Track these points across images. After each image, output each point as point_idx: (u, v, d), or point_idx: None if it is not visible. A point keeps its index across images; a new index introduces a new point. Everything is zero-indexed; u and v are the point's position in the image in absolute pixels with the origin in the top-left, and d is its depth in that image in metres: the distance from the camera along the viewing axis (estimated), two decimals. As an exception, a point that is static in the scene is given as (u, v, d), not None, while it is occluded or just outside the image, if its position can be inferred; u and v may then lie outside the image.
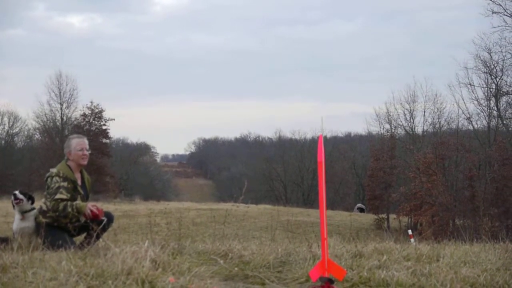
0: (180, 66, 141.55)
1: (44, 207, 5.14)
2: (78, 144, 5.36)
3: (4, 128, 49.46)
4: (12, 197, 5.19)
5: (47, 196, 5.11)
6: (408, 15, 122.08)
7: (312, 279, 3.19)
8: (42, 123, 45.08)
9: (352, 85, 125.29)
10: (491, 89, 32.51)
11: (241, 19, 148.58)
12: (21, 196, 5.20)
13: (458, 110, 34.85)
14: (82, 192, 5.30)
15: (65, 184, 5.13)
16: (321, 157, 3.21)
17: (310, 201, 53.82)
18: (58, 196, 5.05)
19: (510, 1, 29.42)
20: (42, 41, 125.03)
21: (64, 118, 43.69)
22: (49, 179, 5.17)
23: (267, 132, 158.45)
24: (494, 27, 30.71)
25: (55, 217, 5.06)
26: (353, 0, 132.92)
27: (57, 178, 5.13)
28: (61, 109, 43.32)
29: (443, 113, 37.85)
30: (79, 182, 5.32)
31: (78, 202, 5.15)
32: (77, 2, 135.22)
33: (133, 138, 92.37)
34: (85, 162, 5.38)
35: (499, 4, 29.52)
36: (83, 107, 42.69)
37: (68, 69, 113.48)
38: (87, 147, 5.44)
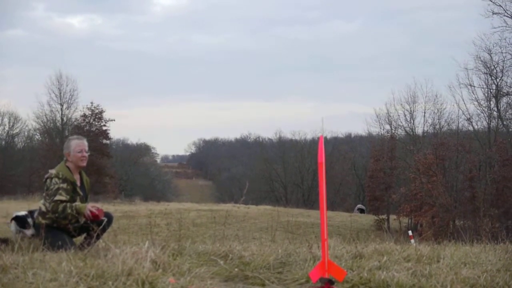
0: (180, 67, 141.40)
1: (44, 208, 5.13)
2: (78, 146, 5.34)
3: (4, 128, 49.58)
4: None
5: (47, 198, 5.11)
6: (408, 15, 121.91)
7: (312, 280, 3.19)
8: (42, 124, 45.16)
9: (352, 85, 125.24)
10: (491, 90, 32.53)
11: (241, 19, 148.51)
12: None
13: (458, 111, 34.92)
14: (81, 193, 5.29)
15: (65, 185, 5.12)
16: (321, 157, 3.21)
17: (310, 202, 53.85)
18: (57, 197, 5.04)
19: (511, 2, 29.47)
20: (42, 41, 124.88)
21: (64, 118, 43.73)
22: (48, 181, 5.16)
23: (267, 133, 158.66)
24: (494, 28, 30.80)
25: (55, 218, 5.05)
26: (353, 0, 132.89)
27: (56, 179, 5.13)
28: (61, 109, 43.37)
29: (443, 114, 37.94)
30: (78, 183, 5.31)
31: (78, 203, 5.15)
32: (76, 3, 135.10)
33: (133, 138, 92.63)
34: (84, 164, 5.37)
35: (500, 5, 29.59)
36: (83, 107, 42.76)
37: (68, 70, 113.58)
38: (86, 148, 5.43)
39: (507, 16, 29.70)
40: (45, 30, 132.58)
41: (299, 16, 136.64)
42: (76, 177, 5.32)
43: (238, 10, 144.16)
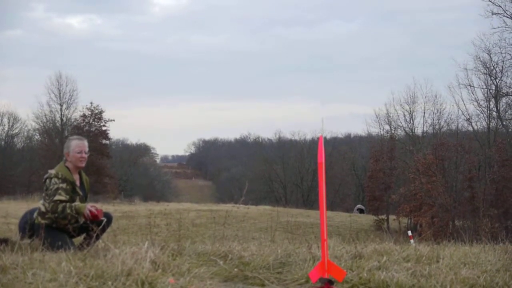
0: (179, 67, 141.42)
1: (43, 209, 5.12)
2: (77, 146, 5.34)
3: (4, 129, 49.63)
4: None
5: (46, 198, 5.10)
6: (408, 16, 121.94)
7: (312, 280, 3.19)
8: (41, 124, 45.17)
9: (352, 85, 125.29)
10: (490, 90, 32.55)
11: (241, 19, 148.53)
12: None
13: (458, 111, 34.96)
14: (80, 193, 5.29)
15: (64, 185, 5.12)
16: (321, 158, 3.21)
17: (309, 202, 53.87)
18: (57, 197, 5.04)
19: (510, 2, 29.47)
20: (41, 41, 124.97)
21: (64, 119, 43.75)
22: (47, 181, 5.16)
23: (267, 133, 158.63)
24: (494, 28, 30.79)
25: (54, 219, 5.05)
26: (353, 0, 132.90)
27: (55, 179, 5.12)
28: (60, 110, 43.40)
29: (442, 114, 38.02)
30: (77, 183, 5.30)
31: (77, 203, 5.15)
32: (76, 3, 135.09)
33: (133, 139, 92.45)
34: (83, 165, 5.36)
35: (499, 5, 29.58)
36: (83, 108, 42.80)
37: (68, 70, 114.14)
38: (86, 149, 5.42)
39: (506, 17, 29.72)
40: (45, 30, 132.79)
41: (299, 16, 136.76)
42: (76, 177, 5.32)
43: (238, 10, 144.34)
